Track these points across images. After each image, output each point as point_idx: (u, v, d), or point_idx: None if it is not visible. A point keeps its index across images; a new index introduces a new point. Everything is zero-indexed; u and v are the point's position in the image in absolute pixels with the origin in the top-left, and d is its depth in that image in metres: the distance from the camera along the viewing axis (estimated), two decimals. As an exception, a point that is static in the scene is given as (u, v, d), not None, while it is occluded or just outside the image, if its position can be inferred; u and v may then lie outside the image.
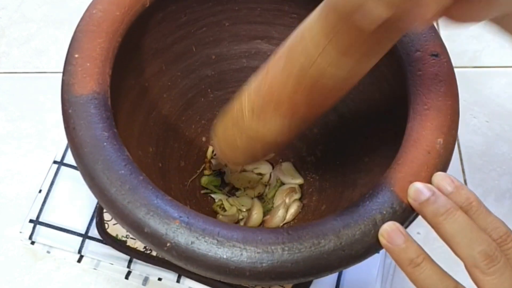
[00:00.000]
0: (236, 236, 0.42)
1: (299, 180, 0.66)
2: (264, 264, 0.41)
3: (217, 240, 0.41)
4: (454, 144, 0.48)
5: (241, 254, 0.41)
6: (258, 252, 0.41)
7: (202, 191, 0.66)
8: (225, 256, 0.41)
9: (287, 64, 0.46)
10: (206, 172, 0.67)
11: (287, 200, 0.65)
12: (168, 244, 0.41)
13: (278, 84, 0.47)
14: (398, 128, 0.50)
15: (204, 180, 0.66)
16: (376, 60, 0.44)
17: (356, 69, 0.44)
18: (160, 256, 0.63)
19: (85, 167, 0.44)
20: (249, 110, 0.51)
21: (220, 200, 0.65)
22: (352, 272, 0.64)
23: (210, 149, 0.68)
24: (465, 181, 0.72)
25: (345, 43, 0.41)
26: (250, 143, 0.53)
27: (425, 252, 0.42)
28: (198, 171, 0.66)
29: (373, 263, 0.64)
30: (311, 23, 0.43)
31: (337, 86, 0.45)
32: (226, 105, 0.54)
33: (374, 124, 0.60)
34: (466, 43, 0.81)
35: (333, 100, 0.48)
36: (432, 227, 0.42)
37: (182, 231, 0.41)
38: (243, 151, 0.55)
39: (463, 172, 0.72)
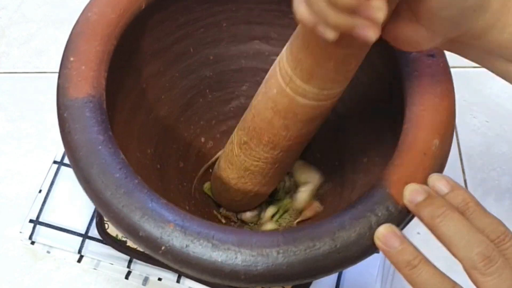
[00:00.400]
0: (231, 239, 0.42)
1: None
2: (259, 267, 0.41)
3: (212, 244, 0.41)
4: (450, 145, 0.47)
5: (236, 257, 0.41)
6: (253, 255, 0.41)
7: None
8: (219, 260, 0.41)
9: (263, 97, 0.50)
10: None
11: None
12: (163, 248, 0.41)
13: (259, 116, 0.51)
14: (396, 129, 0.50)
15: (207, 185, 0.66)
16: (341, 87, 0.46)
17: (321, 97, 0.46)
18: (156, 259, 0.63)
19: (80, 170, 0.44)
20: (237, 146, 0.55)
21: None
22: (352, 273, 0.64)
23: None
24: (465, 181, 0.72)
25: (306, 71, 0.44)
26: (241, 181, 0.57)
27: (422, 254, 0.41)
28: (197, 174, 0.66)
29: (373, 264, 0.64)
30: (282, 56, 0.46)
31: (309, 113, 0.48)
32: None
33: (373, 125, 0.59)
34: (467, 42, 0.80)
35: (310, 129, 0.51)
36: (429, 229, 0.42)
37: (176, 234, 0.41)
38: (236, 191, 0.59)
39: (463, 172, 0.72)
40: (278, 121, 0.49)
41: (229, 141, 0.58)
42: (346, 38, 0.37)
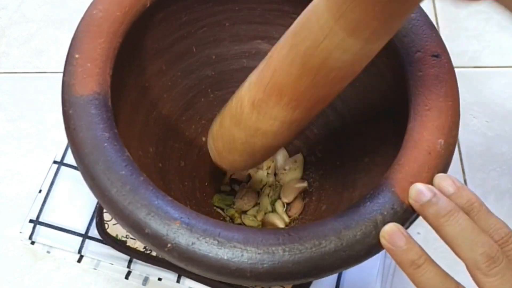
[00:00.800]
0: (237, 237, 0.42)
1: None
2: (265, 265, 0.41)
3: (218, 241, 0.41)
4: (455, 145, 0.48)
5: (242, 255, 0.41)
6: (259, 253, 0.41)
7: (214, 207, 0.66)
8: (226, 257, 0.41)
9: (291, 51, 0.44)
10: (224, 187, 0.67)
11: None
12: (168, 245, 0.41)
13: (281, 72, 0.46)
14: (398, 129, 0.50)
15: (216, 198, 0.66)
16: (384, 42, 0.42)
17: (362, 52, 0.42)
18: (160, 256, 0.63)
19: (85, 167, 0.44)
20: (249, 104, 0.49)
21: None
22: (352, 273, 0.64)
23: None
24: (465, 181, 0.72)
25: (353, 22, 0.40)
26: (250, 142, 0.52)
27: (427, 254, 0.42)
28: (197, 173, 0.66)
29: (373, 264, 0.64)
30: (317, 5, 0.42)
31: (343, 71, 0.44)
32: (224, 106, 0.54)
33: (374, 124, 0.60)
34: (466, 43, 0.81)
35: (337, 89, 0.46)
36: (434, 228, 0.42)
37: (183, 232, 0.41)
38: (241, 152, 0.54)
39: (463, 172, 0.72)
40: (307, 79, 0.44)
41: (236, 97, 0.52)
42: None
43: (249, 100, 0.49)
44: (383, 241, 0.42)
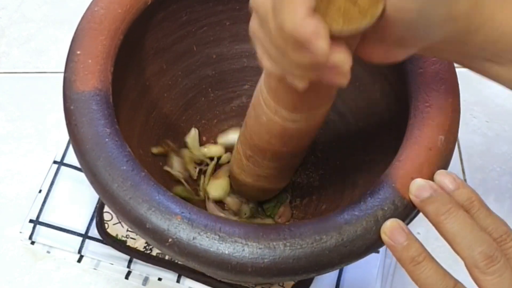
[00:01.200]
0: (238, 232, 0.42)
1: None
2: (266, 260, 0.41)
3: (219, 236, 0.41)
4: (455, 142, 0.48)
5: (243, 250, 0.41)
6: (260, 248, 0.41)
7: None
8: (227, 252, 0.41)
9: (256, 121, 0.49)
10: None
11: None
12: (169, 240, 0.41)
13: (256, 135, 0.51)
14: (398, 127, 0.50)
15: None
16: (327, 107, 0.46)
17: (311, 118, 0.46)
18: (160, 256, 0.63)
19: (87, 163, 0.44)
20: (244, 158, 0.55)
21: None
22: (352, 272, 0.64)
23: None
24: (465, 181, 0.72)
25: (290, 102, 0.44)
26: (257, 185, 0.58)
27: (427, 251, 0.42)
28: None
29: (373, 263, 0.64)
30: (260, 89, 0.46)
31: (303, 133, 0.48)
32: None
33: (374, 123, 0.60)
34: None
35: (306, 142, 0.52)
36: (433, 225, 0.42)
37: (184, 226, 0.41)
38: (254, 191, 0.61)
39: (463, 172, 0.72)
40: (276, 142, 0.50)
41: (235, 149, 0.58)
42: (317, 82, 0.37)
43: (244, 154, 0.55)
44: (383, 236, 0.43)
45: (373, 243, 0.43)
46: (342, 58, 0.34)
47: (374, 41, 0.39)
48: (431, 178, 0.44)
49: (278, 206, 0.64)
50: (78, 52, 0.47)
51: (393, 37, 0.38)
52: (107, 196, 0.43)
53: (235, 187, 0.63)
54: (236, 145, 0.57)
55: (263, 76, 0.46)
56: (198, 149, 0.66)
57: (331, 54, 0.33)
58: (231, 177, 0.63)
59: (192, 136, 0.65)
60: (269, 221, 0.63)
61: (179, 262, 0.59)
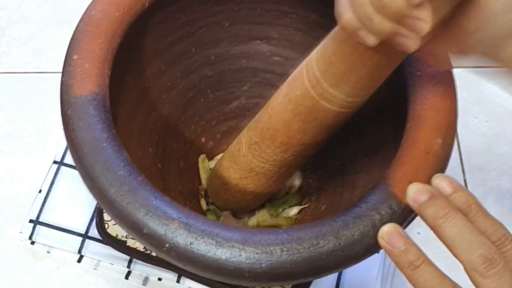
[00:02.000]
0: (235, 237, 0.41)
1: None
2: (263, 265, 0.41)
3: (216, 241, 0.41)
4: (453, 145, 0.48)
5: (240, 255, 0.41)
6: (257, 253, 0.41)
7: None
8: (224, 257, 0.41)
9: (284, 98, 0.49)
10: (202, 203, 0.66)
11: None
12: (167, 245, 0.41)
13: (275, 117, 0.50)
14: (397, 129, 0.50)
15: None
16: (364, 98, 0.47)
17: (345, 105, 0.46)
18: (160, 256, 0.63)
19: (84, 168, 0.44)
20: (245, 146, 0.55)
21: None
22: (352, 272, 0.64)
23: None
24: (465, 181, 0.72)
25: (335, 76, 0.44)
26: (243, 182, 0.57)
27: (425, 255, 0.42)
28: (197, 174, 0.66)
29: (373, 264, 0.64)
30: (308, 60, 0.46)
31: (328, 119, 0.48)
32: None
33: (373, 124, 0.59)
34: (466, 43, 0.80)
35: (324, 136, 0.51)
36: (432, 229, 0.42)
37: (181, 232, 0.41)
38: (234, 193, 0.59)
39: (463, 172, 0.72)
40: (296, 124, 0.49)
41: (236, 140, 0.57)
42: (385, 46, 0.38)
43: (246, 142, 0.55)
44: (381, 241, 0.42)
45: (371, 248, 0.43)
46: (426, 16, 0.34)
47: (441, 39, 0.40)
48: (428, 182, 0.44)
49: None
50: (75, 56, 0.47)
51: (460, 36, 0.39)
52: (104, 201, 0.43)
53: (211, 189, 0.64)
54: (239, 135, 0.57)
55: (315, 56, 0.46)
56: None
57: (418, 7, 0.34)
58: (212, 177, 0.63)
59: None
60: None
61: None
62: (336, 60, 0.43)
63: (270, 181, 0.57)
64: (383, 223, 0.43)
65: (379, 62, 0.42)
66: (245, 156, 0.55)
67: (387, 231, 0.42)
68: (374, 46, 0.38)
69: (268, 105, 0.52)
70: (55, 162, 0.70)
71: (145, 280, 0.64)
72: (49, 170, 0.69)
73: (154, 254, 0.63)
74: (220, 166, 0.60)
